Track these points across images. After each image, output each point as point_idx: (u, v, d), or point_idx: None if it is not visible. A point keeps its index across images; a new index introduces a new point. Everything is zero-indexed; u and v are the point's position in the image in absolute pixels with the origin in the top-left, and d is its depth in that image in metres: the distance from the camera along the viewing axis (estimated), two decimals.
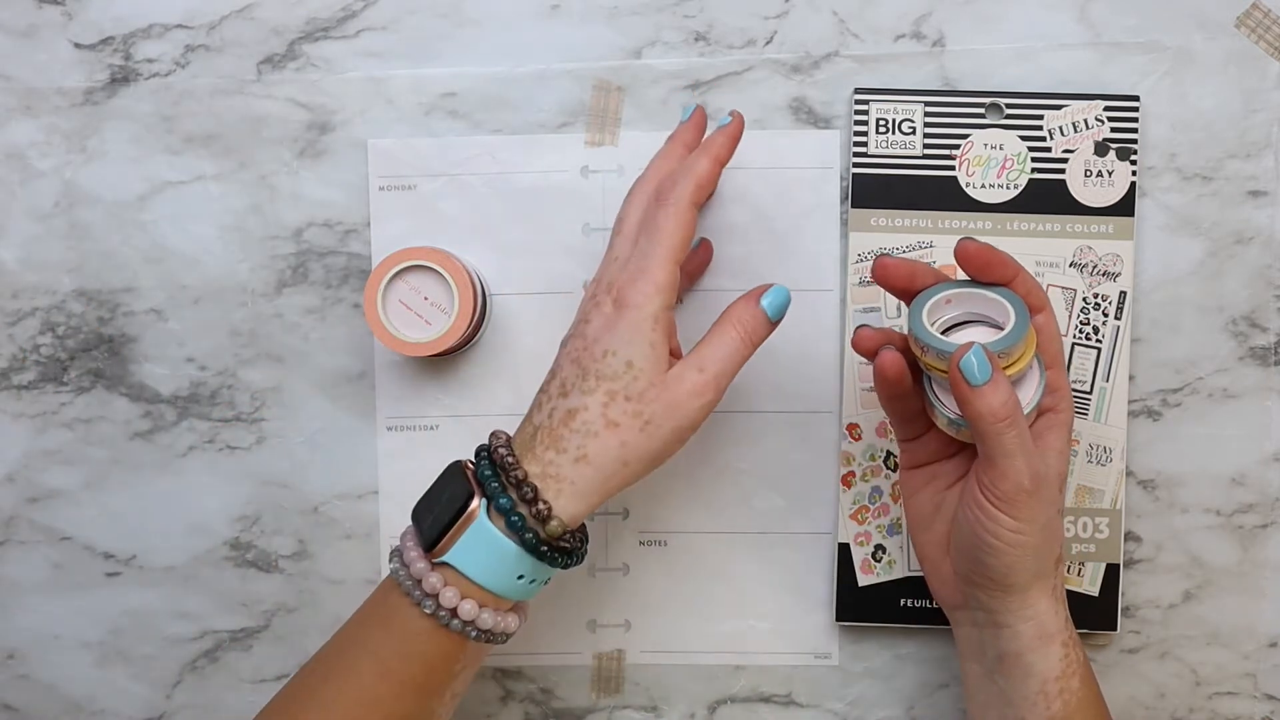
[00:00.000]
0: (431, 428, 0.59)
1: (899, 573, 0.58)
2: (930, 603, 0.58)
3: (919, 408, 0.51)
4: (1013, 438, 0.45)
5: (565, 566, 0.47)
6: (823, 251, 0.58)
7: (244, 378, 0.60)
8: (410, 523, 0.48)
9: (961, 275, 0.49)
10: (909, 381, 0.50)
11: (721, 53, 0.58)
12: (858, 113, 0.57)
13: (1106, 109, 0.57)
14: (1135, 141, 0.57)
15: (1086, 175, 0.57)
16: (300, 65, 0.59)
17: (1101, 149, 0.57)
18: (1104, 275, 0.57)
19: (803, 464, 0.59)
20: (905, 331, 0.49)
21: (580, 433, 0.46)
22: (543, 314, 0.59)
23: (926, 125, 0.57)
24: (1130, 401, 0.58)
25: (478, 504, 0.46)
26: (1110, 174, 0.57)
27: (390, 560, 0.48)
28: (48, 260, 0.60)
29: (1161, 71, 0.57)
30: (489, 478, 0.46)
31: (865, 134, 0.57)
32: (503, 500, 0.46)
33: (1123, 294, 0.57)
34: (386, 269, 0.54)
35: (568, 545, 0.47)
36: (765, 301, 0.49)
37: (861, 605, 0.58)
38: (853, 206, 0.57)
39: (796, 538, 0.59)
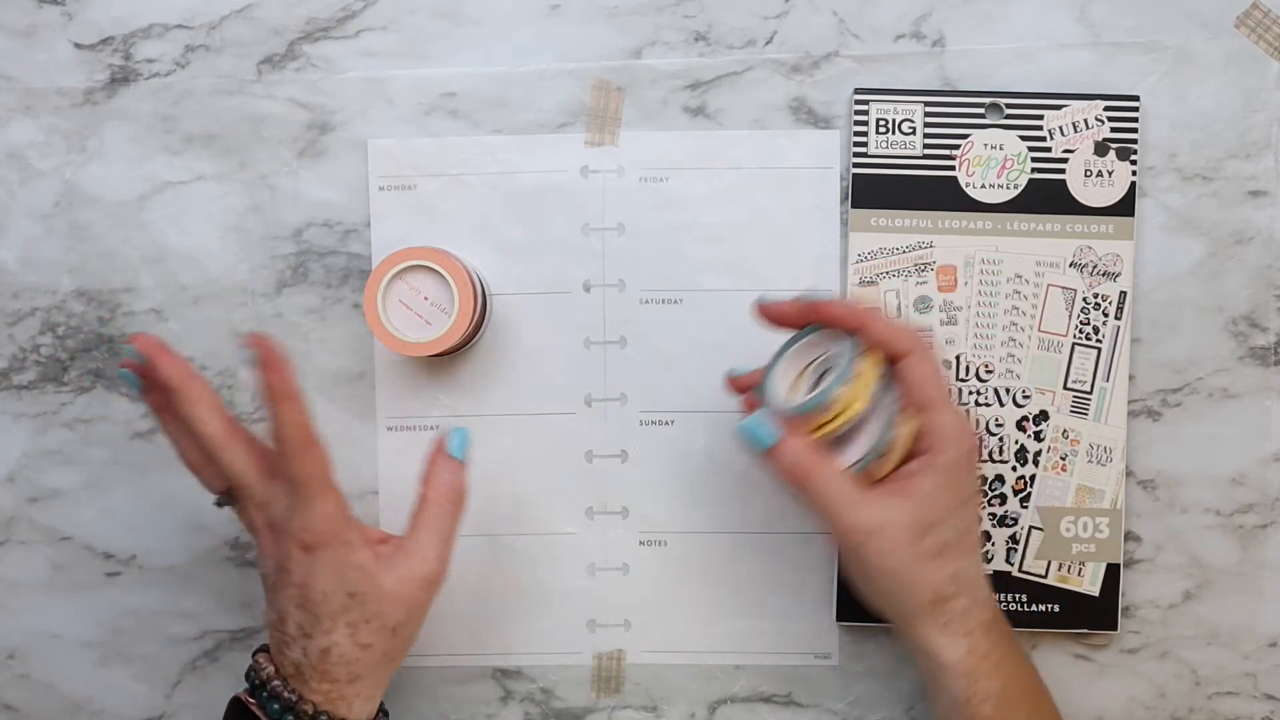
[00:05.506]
0: (431, 428, 0.59)
1: None
2: None
3: None
4: (815, 490, 0.47)
5: None
6: (823, 251, 0.58)
7: (244, 378, 0.60)
8: None
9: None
10: None
11: (721, 53, 0.58)
12: (858, 113, 0.57)
13: (1106, 109, 0.57)
14: (1135, 141, 0.57)
15: (1086, 175, 0.57)
16: (300, 65, 0.59)
17: (1101, 149, 0.57)
18: (1104, 275, 0.57)
19: None
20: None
21: (341, 663, 0.48)
22: (543, 314, 0.59)
23: (926, 125, 0.57)
24: (1130, 401, 0.58)
25: None
26: (1110, 174, 0.57)
27: None
28: (48, 260, 0.60)
29: (1161, 71, 0.57)
30: (280, 712, 0.48)
31: (865, 134, 0.57)
32: None
33: (1123, 294, 0.57)
34: (386, 269, 0.54)
35: None
36: (451, 448, 0.51)
37: (862, 605, 0.58)
38: (853, 206, 0.57)
39: (796, 538, 0.59)
